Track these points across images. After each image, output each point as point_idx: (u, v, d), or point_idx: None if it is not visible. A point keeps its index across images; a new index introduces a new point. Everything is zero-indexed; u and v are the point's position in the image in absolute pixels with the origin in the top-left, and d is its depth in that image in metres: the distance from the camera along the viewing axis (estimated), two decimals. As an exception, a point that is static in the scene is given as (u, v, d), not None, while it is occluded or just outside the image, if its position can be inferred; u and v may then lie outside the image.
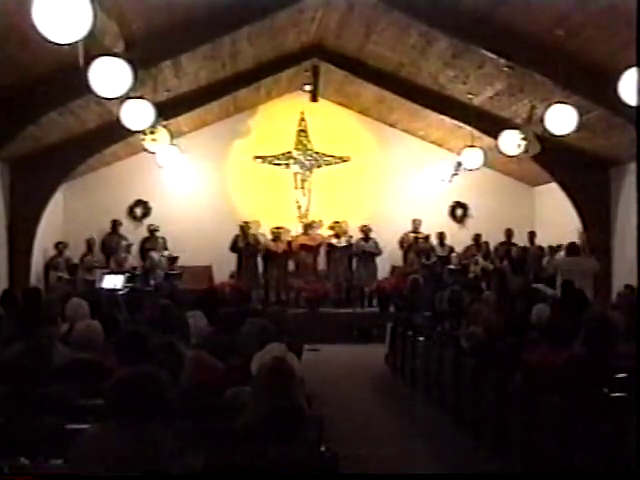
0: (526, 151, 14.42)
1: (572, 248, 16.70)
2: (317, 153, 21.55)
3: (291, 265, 20.83)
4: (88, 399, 5.78)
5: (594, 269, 15.88)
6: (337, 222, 20.76)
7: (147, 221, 20.91)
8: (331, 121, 21.41)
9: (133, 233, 20.77)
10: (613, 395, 6.53)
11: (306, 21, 15.39)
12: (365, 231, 20.68)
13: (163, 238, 20.28)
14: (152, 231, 20.50)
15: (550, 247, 19.33)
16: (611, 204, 17.45)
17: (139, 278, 18.42)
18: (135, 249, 20.58)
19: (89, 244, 20.02)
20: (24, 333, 7.48)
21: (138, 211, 21.10)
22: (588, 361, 7.04)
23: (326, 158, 21.59)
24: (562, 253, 17.58)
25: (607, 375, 6.81)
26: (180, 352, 6.16)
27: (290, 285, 20.24)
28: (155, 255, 19.56)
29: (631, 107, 9.96)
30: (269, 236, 20.57)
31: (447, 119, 18.02)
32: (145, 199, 21.04)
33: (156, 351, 6.03)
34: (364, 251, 20.59)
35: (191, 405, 5.59)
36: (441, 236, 21.04)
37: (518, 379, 7.82)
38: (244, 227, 20.22)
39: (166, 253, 19.72)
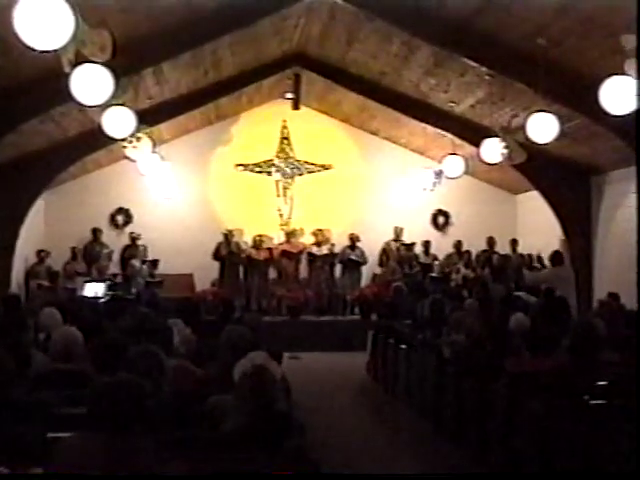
0: (511, 159, 14.46)
1: (556, 258, 16.76)
2: (299, 161, 21.57)
3: (273, 273, 20.84)
4: (69, 408, 5.76)
5: (571, 277, 15.99)
6: (319, 230, 20.79)
7: (129, 229, 20.86)
8: (313, 129, 21.43)
9: (115, 241, 20.71)
10: (593, 402, 6.56)
11: (288, 29, 15.39)
12: (353, 239, 20.71)
13: (144, 246, 20.26)
14: (133, 239, 20.46)
15: (530, 263, 19.44)
16: (592, 212, 17.50)
17: (120, 286, 18.35)
18: (116, 257, 20.53)
19: (74, 252, 19.96)
20: (2, 341, 7.44)
21: (120, 219, 21.05)
22: (571, 369, 7.07)
23: (308, 166, 21.62)
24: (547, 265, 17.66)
25: (589, 383, 6.84)
26: (161, 360, 6.15)
27: (271, 293, 20.24)
28: (136, 263, 19.51)
29: (612, 116, 10.01)
30: (251, 244, 20.57)
31: (429, 127, 18.05)
32: (127, 207, 21.00)
33: (136, 359, 6.01)
34: (350, 259, 20.60)
35: (172, 413, 5.58)
36: (426, 244, 21.08)
37: (500, 387, 7.84)
38: (227, 235, 20.22)
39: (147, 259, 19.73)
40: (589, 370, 7.04)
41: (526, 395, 7.23)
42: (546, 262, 18.06)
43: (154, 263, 19.65)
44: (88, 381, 5.53)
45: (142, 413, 4.40)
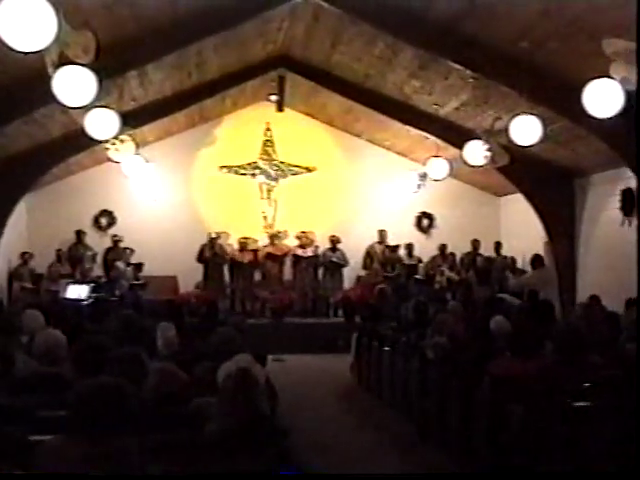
0: (494, 162, 14.49)
1: (537, 260, 16.80)
2: (283, 163, 21.58)
3: (257, 275, 20.82)
4: (51, 410, 5.73)
5: (555, 279, 16.04)
6: (303, 232, 20.78)
7: (112, 231, 20.81)
8: (297, 131, 21.43)
9: (98, 243, 20.66)
10: (577, 405, 6.57)
11: (272, 31, 15.38)
12: (333, 241, 20.72)
13: (127, 248, 20.21)
14: (116, 241, 20.41)
15: (514, 266, 19.53)
16: (576, 214, 17.55)
17: (104, 288, 18.30)
18: (100, 259, 20.48)
19: (58, 254, 19.91)
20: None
21: (103, 221, 21.02)
22: (555, 371, 7.08)
23: (292, 168, 21.63)
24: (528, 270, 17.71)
25: (573, 385, 6.85)
26: (144, 363, 6.13)
27: (256, 295, 20.21)
28: (121, 265, 19.47)
29: (595, 118, 10.04)
30: (236, 246, 20.56)
31: (413, 130, 18.06)
32: (110, 209, 20.97)
33: (120, 362, 5.99)
34: (331, 261, 20.62)
35: (156, 416, 5.57)
36: (409, 247, 21.10)
37: (483, 389, 7.84)
38: (214, 239, 20.19)
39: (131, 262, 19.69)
40: (573, 372, 7.05)
41: (510, 398, 7.23)
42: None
43: (138, 266, 19.62)
44: (70, 384, 5.50)
45: (125, 416, 4.39)
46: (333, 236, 20.80)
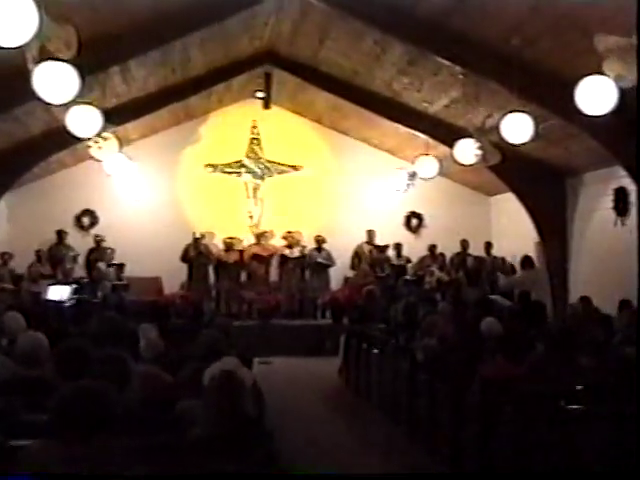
0: (485, 161, 14.49)
1: (527, 262, 16.82)
2: (269, 161, 21.56)
3: (243, 276, 20.79)
4: (32, 414, 5.71)
5: (546, 280, 16.07)
6: (290, 232, 20.76)
7: (94, 231, 20.75)
8: (284, 129, 21.42)
9: (80, 243, 20.59)
10: (570, 407, 6.58)
11: (259, 27, 15.37)
12: (319, 241, 20.71)
13: (110, 248, 20.15)
14: (98, 241, 20.36)
15: (504, 266, 19.55)
16: (567, 214, 17.58)
17: (86, 289, 18.25)
18: (82, 260, 20.42)
19: (38, 255, 19.85)
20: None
21: (85, 220, 20.95)
22: (547, 373, 7.09)
23: (278, 167, 21.61)
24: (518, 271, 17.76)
25: (565, 387, 6.86)
26: (128, 366, 6.12)
27: (242, 296, 20.17)
28: (102, 266, 19.43)
29: (587, 116, 10.05)
30: (221, 246, 20.53)
31: (402, 127, 18.05)
32: (92, 208, 20.89)
33: (102, 365, 5.98)
34: (317, 262, 20.60)
35: (140, 420, 5.55)
36: (398, 247, 21.10)
37: (474, 392, 7.85)
38: (197, 238, 20.15)
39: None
40: (565, 375, 7.06)
41: (501, 400, 7.24)
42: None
43: (120, 267, 19.58)
44: (53, 387, 5.48)
45: (108, 420, 4.37)
46: (318, 236, 20.79)
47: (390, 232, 21.44)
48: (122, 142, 16.19)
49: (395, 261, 20.89)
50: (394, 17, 12.60)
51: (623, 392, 6.61)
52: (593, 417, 6.45)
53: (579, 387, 6.88)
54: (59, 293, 17.03)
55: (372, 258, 20.91)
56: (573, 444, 6.25)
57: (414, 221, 22.23)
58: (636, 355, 7.70)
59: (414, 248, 21.43)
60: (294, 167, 21.63)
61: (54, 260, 19.98)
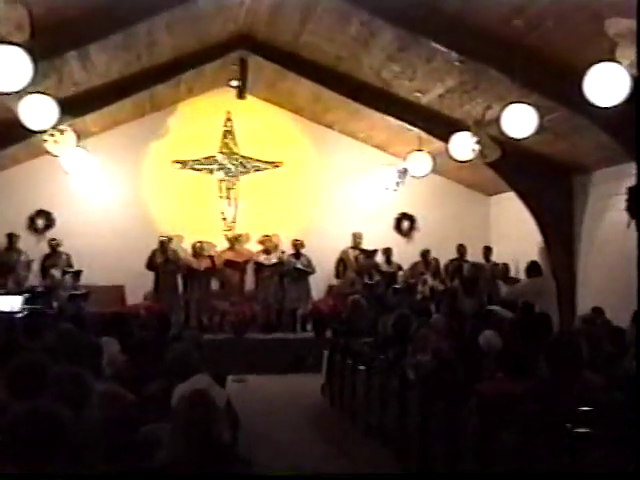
0: (483, 156, 14.53)
1: (533, 268, 16.84)
2: (245, 157, 21.54)
3: (215, 284, 20.78)
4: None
5: (552, 289, 16.11)
6: (267, 236, 20.78)
7: (50, 234, 20.66)
8: (261, 121, 21.41)
9: (34, 248, 20.48)
10: (577, 431, 6.58)
11: (233, 7, 15.35)
12: (297, 246, 20.72)
13: (67, 254, 20.08)
14: (54, 246, 20.28)
15: (506, 274, 19.57)
16: (575, 216, 17.61)
17: (40, 299, 18.18)
18: (37, 266, 20.33)
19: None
20: None
21: (40, 222, 20.85)
22: (551, 393, 7.10)
23: (255, 163, 21.59)
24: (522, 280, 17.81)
25: (571, 409, 6.86)
26: (86, 384, 6.10)
27: (213, 307, 20.15)
28: (56, 273, 19.35)
29: (597, 107, 10.08)
30: (190, 251, 20.51)
31: (392, 120, 18.06)
32: (48, 209, 20.79)
33: (58, 383, 5.96)
34: (295, 268, 20.58)
35: (100, 444, 5.54)
36: (387, 252, 21.11)
37: (470, 413, 7.86)
38: (164, 242, 20.13)
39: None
40: (571, 394, 7.07)
41: (501, 423, 7.25)
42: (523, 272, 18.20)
43: (77, 274, 19.50)
44: (2, 408, 5.47)
45: (65, 444, 4.36)
46: (296, 240, 20.81)
47: (379, 236, 21.47)
48: (81, 135, 16.21)
49: (384, 268, 20.90)
50: (383, -4, 12.64)
51: (635, 414, 6.62)
52: (602, 442, 6.45)
53: (587, 409, 6.89)
54: (10, 303, 16.96)
55: (359, 265, 20.92)
56: (580, 471, 6.26)
57: (405, 223, 22.25)
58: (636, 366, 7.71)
59: (405, 253, 21.45)
60: (272, 164, 21.61)
61: (4, 267, 19.89)
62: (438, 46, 13.44)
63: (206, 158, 21.46)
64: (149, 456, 5.14)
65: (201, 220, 21.03)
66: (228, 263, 20.56)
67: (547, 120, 13.10)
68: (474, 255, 20.96)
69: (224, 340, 18.56)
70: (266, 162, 21.62)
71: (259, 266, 20.79)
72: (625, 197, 15.38)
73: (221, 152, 21.50)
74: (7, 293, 17.93)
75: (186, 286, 20.53)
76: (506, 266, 19.88)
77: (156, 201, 21.29)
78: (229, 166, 21.51)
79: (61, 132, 14.57)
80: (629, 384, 7.38)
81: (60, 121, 13.34)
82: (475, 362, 9.04)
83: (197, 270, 20.30)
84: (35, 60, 9.74)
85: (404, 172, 19.50)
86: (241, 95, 19.41)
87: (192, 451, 4.95)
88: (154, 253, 20.11)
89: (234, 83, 18.92)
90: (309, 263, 20.77)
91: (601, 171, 16.68)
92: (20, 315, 15.14)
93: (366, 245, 21.26)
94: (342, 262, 21.31)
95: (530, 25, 11.63)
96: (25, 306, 16.75)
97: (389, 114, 17.84)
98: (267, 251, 20.70)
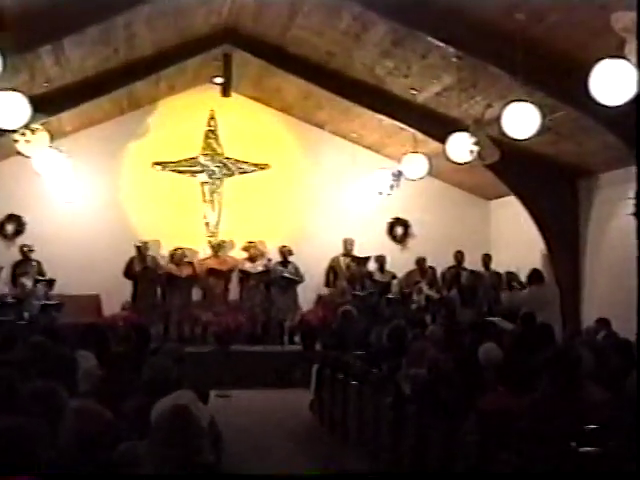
0: (481, 158, 14.54)
1: (535, 276, 16.85)
2: (229, 159, 21.55)
3: (197, 294, 20.76)
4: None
5: (556, 299, 16.12)
6: (252, 242, 20.78)
7: (21, 240, 20.61)
8: (246, 121, 21.43)
9: (4, 255, 20.43)
10: (582, 450, 6.58)
11: (217, -1, 15.40)
12: (284, 253, 20.71)
13: (38, 262, 20.01)
14: (25, 253, 20.22)
15: (509, 283, 19.54)
16: (580, 221, 17.64)
17: (10, 309, 18.14)
18: (6, 274, 20.27)
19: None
20: None
21: (10, 228, 20.81)
22: (554, 409, 7.10)
23: (240, 165, 21.59)
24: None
25: (576, 426, 6.86)
26: (60, 400, 6.08)
27: (195, 318, 20.14)
28: (27, 282, 19.28)
29: (604, 107, 10.08)
30: (171, 258, 20.48)
31: (385, 119, 18.10)
32: (18, 213, 20.76)
33: (30, 399, 5.94)
34: (282, 277, 20.56)
35: (75, 463, 5.52)
36: (381, 260, 21.10)
37: (469, 430, 7.85)
38: (141, 248, 20.10)
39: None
40: (575, 411, 7.07)
41: (501, 440, 7.24)
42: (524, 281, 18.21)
43: (50, 283, 19.43)
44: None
45: (37, 463, 4.35)
46: (284, 246, 20.80)
47: (372, 242, 21.48)
48: (54, 135, 16.19)
49: (377, 276, 20.91)
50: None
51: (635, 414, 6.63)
52: (609, 460, 6.46)
53: (592, 426, 6.89)
54: (-23, 314, 16.96)
55: (350, 273, 20.93)
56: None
57: (399, 229, 22.27)
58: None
59: (399, 261, 21.46)
60: (258, 166, 21.62)
61: (-27, 275, 19.89)
62: (434, 41, 13.46)
63: (188, 160, 21.43)
64: (125, 477, 5.12)
65: (183, 226, 21.01)
66: (211, 271, 20.54)
67: (550, 120, 13.12)
68: (473, 263, 20.95)
69: (207, 353, 18.54)
70: (252, 164, 21.62)
71: (244, 274, 20.78)
72: (632, 202, 15.41)
73: (204, 153, 21.49)
74: (-26, 304, 17.91)
75: (166, 295, 20.50)
76: (510, 275, 19.83)
77: (135, 205, 21.26)
78: (212, 168, 21.49)
79: (33, 131, 14.53)
80: (638, 400, 7.37)
81: (32, 120, 13.30)
82: (474, 376, 9.04)
83: (178, 278, 20.26)
84: (4, 55, 9.72)
85: (398, 175, 19.49)
86: (225, 93, 19.39)
87: (172, 472, 4.94)
88: (132, 260, 20.09)
89: (218, 80, 18.92)
90: (297, 271, 20.75)
91: (607, 174, 16.71)
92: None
93: (358, 252, 21.27)
94: (332, 270, 21.31)
95: (533, 18, 11.65)
96: (-7, 317, 16.74)
97: (382, 113, 17.87)
98: (252, 259, 20.69)
